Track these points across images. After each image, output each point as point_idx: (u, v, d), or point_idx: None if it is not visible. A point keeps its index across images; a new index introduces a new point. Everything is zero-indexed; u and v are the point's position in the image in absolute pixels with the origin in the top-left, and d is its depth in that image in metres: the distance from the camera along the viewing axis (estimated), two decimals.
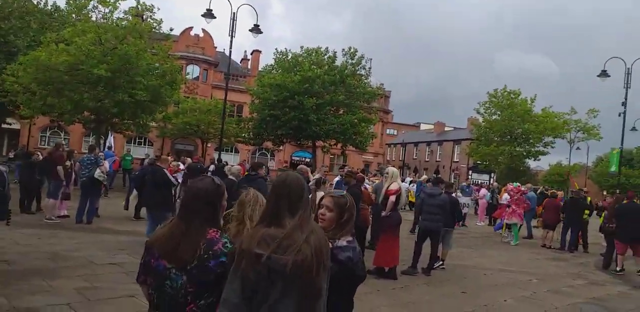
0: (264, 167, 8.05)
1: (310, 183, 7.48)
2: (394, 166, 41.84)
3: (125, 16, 19.70)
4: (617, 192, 19.06)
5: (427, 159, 58.23)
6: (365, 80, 26.57)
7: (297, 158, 40.23)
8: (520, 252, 12.13)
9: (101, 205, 11.45)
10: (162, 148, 36.03)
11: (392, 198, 7.40)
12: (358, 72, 26.21)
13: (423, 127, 70.49)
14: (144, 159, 21.24)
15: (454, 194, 11.20)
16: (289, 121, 24.63)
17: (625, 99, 21.84)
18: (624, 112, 22.10)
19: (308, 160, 37.25)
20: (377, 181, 12.13)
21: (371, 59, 26.26)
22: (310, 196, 6.88)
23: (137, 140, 36.70)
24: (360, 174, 11.21)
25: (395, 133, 71.43)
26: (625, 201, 11.21)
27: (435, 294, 6.96)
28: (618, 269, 10.20)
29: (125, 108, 19.36)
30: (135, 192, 10.81)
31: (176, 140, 35.85)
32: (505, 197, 15.07)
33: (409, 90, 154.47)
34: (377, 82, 27.84)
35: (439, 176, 19.37)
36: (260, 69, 35.60)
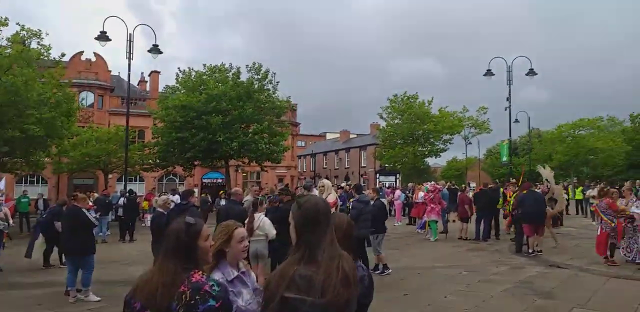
0: (194, 194, 7.75)
1: (245, 205, 7.35)
2: (305, 177, 42.08)
3: (9, 44, 17.88)
4: (511, 180, 20.91)
5: (336, 167, 59.61)
6: (273, 95, 26.60)
7: (209, 180, 39.15)
8: (442, 247, 12.83)
9: (1, 256, 10.31)
10: (57, 185, 33.24)
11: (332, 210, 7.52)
12: (265, 87, 26.19)
13: (329, 136, 72.14)
14: (37, 200, 19.57)
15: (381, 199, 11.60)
16: (197, 143, 23.93)
17: (509, 94, 24.12)
18: (509, 107, 24.36)
19: (220, 181, 36.42)
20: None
21: (275, 73, 26.35)
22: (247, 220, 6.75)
23: (28, 179, 33.51)
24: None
25: (304, 144, 72.41)
26: (524, 191, 12.38)
27: (380, 300, 7.10)
28: (530, 251, 11.20)
29: (17, 145, 17.61)
30: (41, 237, 9.89)
31: (73, 175, 33.26)
32: (420, 196, 15.88)
33: (313, 102, 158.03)
34: (284, 95, 27.89)
35: (361, 183, 19.84)
36: (160, 90, 34.25)
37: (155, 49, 18.23)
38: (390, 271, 9.01)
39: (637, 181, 21.18)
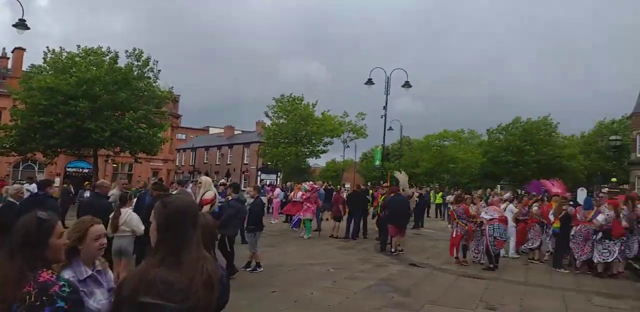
0: (53, 184, 7.04)
1: (111, 199, 6.87)
2: (184, 172, 40.72)
3: None
4: (382, 183, 22.29)
5: (218, 163, 58.43)
6: (154, 84, 25.16)
7: (74, 169, 35.91)
8: (314, 245, 13.23)
9: None
10: None
11: (207, 208, 7.33)
12: (146, 74, 24.68)
13: (212, 131, 70.43)
14: None
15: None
16: (63, 129, 21.82)
17: (386, 103, 25.64)
18: (385, 115, 25.91)
19: (87, 171, 33.66)
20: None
21: (157, 61, 24.97)
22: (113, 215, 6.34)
23: None
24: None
25: (185, 138, 69.80)
26: (392, 194, 13.27)
27: (249, 297, 7.13)
28: (393, 250, 12.01)
29: None
30: None
31: None
32: (299, 195, 16.20)
33: (198, 95, 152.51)
34: (166, 85, 26.51)
35: (237, 182, 19.63)
36: (24, 69, 30.59)
37: (21, 24, 16.23)
38: (261, 269, 9.05)
39: (488, 189, 23.83)
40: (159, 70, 25.18)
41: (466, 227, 10.74)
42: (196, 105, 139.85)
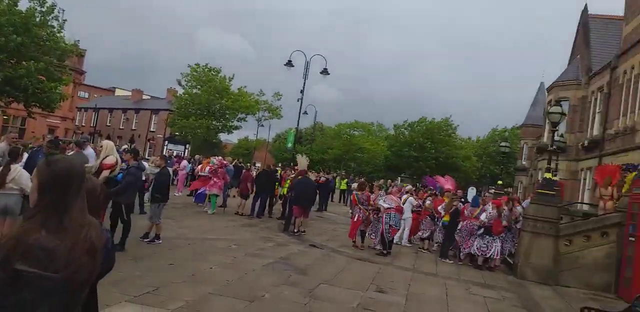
0: None
1: None
2: (83, 132, 37.88)
3: None
4: (292, 165, 22.53)
5: (122, 127, 55.17)
6: (58, 34, 22.91)
7: None
8: (218, 220, 13.08)
9: None
10: None
11: (106, 173, 6.93)
12: (49, 23, 22.37)
13: (119, 92, 66.23)
14: None
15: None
16: None
17: (303, 87, 25.76)
18: (302, 98, 26.05)
19: None
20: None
21: (64, 10, 22.74)
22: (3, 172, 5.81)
23: None
24: None
25: (87, 96, 64.91)
26: (300, 177, 13.48)
27: (143, 269, 6.92)
28: (295, 230, 12.26)
29: None
30: None
31: None
32: (207, 170, 15.84)
33: (108, 52, 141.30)
34: (71, 37, 24.31)
35: (138, 148, 18.71)
36: None
37: None
38: (160, 241, 8.81)
39: (389, 180, 25.01)
40: (65, 20, 22.97)
41: (367, 213, 11.25)
42: (103, 64, 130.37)
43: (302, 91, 25.77)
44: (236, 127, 38.91)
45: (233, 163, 19.92)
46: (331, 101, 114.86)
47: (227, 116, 37.64)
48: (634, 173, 10.98)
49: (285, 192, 14.29)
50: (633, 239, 9.18)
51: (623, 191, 10.92)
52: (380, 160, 51.80)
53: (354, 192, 12.08)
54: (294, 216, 12.62)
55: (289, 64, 24.35)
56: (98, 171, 7.06)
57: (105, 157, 7.20)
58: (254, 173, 16.52)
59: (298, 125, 28.01)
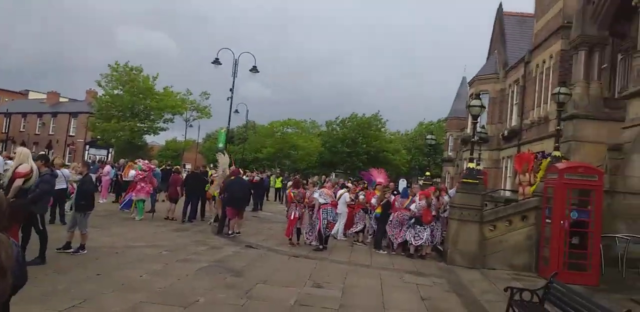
0: None
1: None
2: None
3: None
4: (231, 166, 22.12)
5: (37, 132, 51.60)
6: None
7: None
8: (147, 226, 12.60)
9: None
10: None
11: (19, 182, 6.42)
12: None
13: (33, 95, 61.79)
14: None
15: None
16: None
17: (233, 85, 25.39)
18: (231, 97, 25.66)
19: None
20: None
21: None
22: None
23: None
24: None
25: None
26: (232, 177, 13.24)
27: (68, 281, 6.52)
28: (230, 232, 12.05)
29: None
30: None
31: None
32: (131, 174, 15.19)
33: (18, 53, 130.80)
34: None
35: (47, 154, 17.61)
36: None
37: None
38: (85, 251, 8.33)
39: (323, 176, 25.23)
40: None
41: (303, 210, 11.28)
42: (14, 66, 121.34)
43: (231, 90, 25.39)
44: (162, 129, 37.63)
45: (161, 167, 19.29)
46: (263, 99, 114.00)
47: (152, 117, 36.26)
48: (548, 160, 11.80)
49: (215, 194, 13.98)
50: (549, 221, 9.86)
51: (539, 176, 11.70)
52: (314, 156, 52.20)
53: (290, 189, 12.05)
54: (227, 218, 12.39)
55: (217, 62, 23.91)
56: (11, 179, 6.55)
57: (19, 165, 6.68)
58: (184, 176, 16.04)
59: (229, 124, 27.55)
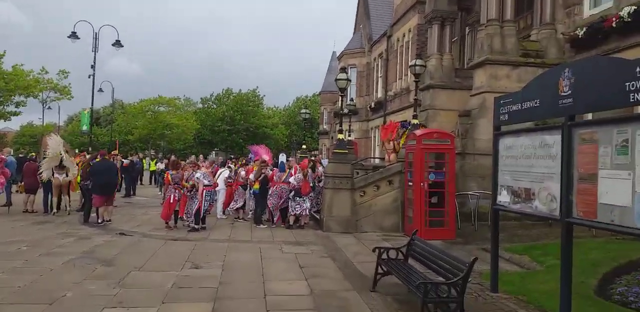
0: None
1: None
2: None
3: None
4: (89, 150, 20.58)
5: None
6: None
7: None
8: (3, 222, 11.42)
9: None
10: None
11: None
12: None
13: None
14: None
15: None
16: None
17: (94, 62, 23.41)
18: (94, 75, 23.68)
19: None
20: None
21: None
22: None
23: None
24: None
25: None
26: (98, 159, 12.39)
27: None
28: (100, 221, 11.33)
29: None
30: None
31: None
32: None
33: None
34: None
35: None
36: None
37: None
38: None
39: (201, 155, 24.61)
40: None
41: (182, 191, 10.95)
42: None
43: (92, 66, 23.50)
44: (15, 113, 33.45)
45: (17, 155, 17.35)
46: (131, 76, 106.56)
47: (1, 99, 32.06)
48: (408, 128, 12.80)
49: (78, 180, 13.00)
50: (411, 184, 10.79)
51: (401, 143, 12.66)
52: (190, 135, 50.49)
53: (168, 171, 11.59)
54: (94, 206, 11.62)
55: (74, 35, 21.94)
56: None
57: None
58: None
59: (92, 104, 25.55)
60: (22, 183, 13.73)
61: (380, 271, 6.41)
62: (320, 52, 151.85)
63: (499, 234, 6.55)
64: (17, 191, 14.59)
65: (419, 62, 12.91)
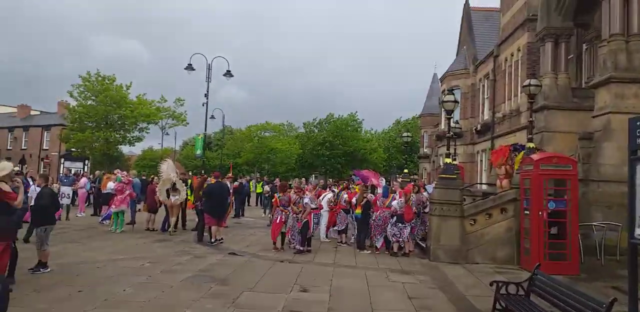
0: None
1: None
2: None
3: None
4: (202, 172, 21.93)
5: (9, 147, 50.26)
6: None
7: None
8: (128, 239, 12.41)
9: None
10: None
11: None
12: None
13: (2, 109, 60.10)
14: None
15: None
16: None
17: (207, 91, 25.20)
18: (207, 103, 25.46)
19: None
20: None
21: None
22: None
23: None
24: None
25: None
26: (212, 181, 13.12)
27: (49, 300, 6.37)
28: (212, 240, 11.92)
29: None
30: None
31: None
32: (110, 186, 14.94)
33: None
34: None
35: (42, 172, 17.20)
36: None
37: None
38: (49, 269, 8.02)
39: (303, 178, 25.23)
40: None
41: (287, 213, 11.23)
42: None
43: (206, 95, 25.18)
44: (138, 139, 36.99)
45: (140, 177, 19.02)
46: (239, 104, 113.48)
47: (127, 126, 35.65)
48: (522, 152, 12.01)
49: (192, 201, 13.84)
50: (528, 212, 10.04)
51: (515, 168, 11.89)
52: (293, 159, 52.15)
53: (276, 194, 11.98)
54: (207, 225, 12.26)
55: (190, 67, 23.73)
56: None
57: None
58: None
59: (206, 130, 27.31)
60: (145, 203, 14.95)
61: (498, 306, 5.97)
62: (417, 75, 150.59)
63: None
64: (139, 210, 15.90)
65: (533, 81, 12.17)
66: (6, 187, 6.31)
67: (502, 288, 6.02)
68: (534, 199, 9.81)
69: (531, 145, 11.72)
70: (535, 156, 10.33)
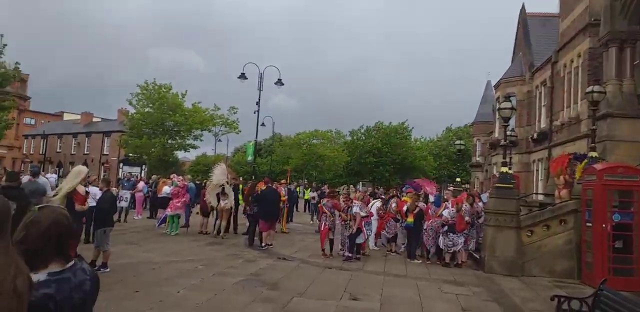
0: None
1: None
2: (32, 161, 36.26)
3: None
4: (252, 178, 22.29)
5: (73, 152, 53.19)
6: None
7: None
8: (182, 241, 12.75)
9: None
10: None
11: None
12: None
13: (67, 117, 63.77)
14: None
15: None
16: None
17: (259, 99, 25.69)
18: (258, 110, 25.95)
19: None
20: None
21: (2, 35, 21.86)
22: None
23: None
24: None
25: (34, 123, 62.39)
26: (264, 187, 13.28)
27: (107, 299, 6.60)
28: (263, 245, 12.06)
29: None
30: None
31: None
32: (165, 190, 15.45)
33: (53, 76, 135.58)
34: (11, 62, 23.29)
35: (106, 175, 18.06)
36: None
37: None
38: (108, 269, 8.35)
39: (351, 186, 25.13)
40: (5, 45, 22.12)
41: (332, 218, 11.21)
42: (49, 89, 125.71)
43: (258, 103, 25.70)
44: (193, 146, 38.21)
45: (194, 181, 19.56)
46: (289, 111, 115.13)
47: (182, 133, 36.90)
48: (585, 161, 11.45)
49: (245, 206, 14.06)
50: (590, 224, 9.54)
51: (576, 178, 11.34)
52: (340, 166, 52.14)
53: (322, 200, 12.04)
54: (259, 230, 12.43)
55: (242, 76, 24.26)
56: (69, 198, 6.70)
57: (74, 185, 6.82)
58: None
59: (257, 137, 27.84)
60: (199, 206, 15.33)
61: None
62: (470, 82, 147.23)
63: None
64: (197, 213, 16.30)
65: (596, 88, 11.63)
66: (82, 190, 6.64)
67: (564, 303, 5.72)
68: (596, 210, 9.32)
69: (594, 154, 11.17)
70: (598, 166, 9.83)
